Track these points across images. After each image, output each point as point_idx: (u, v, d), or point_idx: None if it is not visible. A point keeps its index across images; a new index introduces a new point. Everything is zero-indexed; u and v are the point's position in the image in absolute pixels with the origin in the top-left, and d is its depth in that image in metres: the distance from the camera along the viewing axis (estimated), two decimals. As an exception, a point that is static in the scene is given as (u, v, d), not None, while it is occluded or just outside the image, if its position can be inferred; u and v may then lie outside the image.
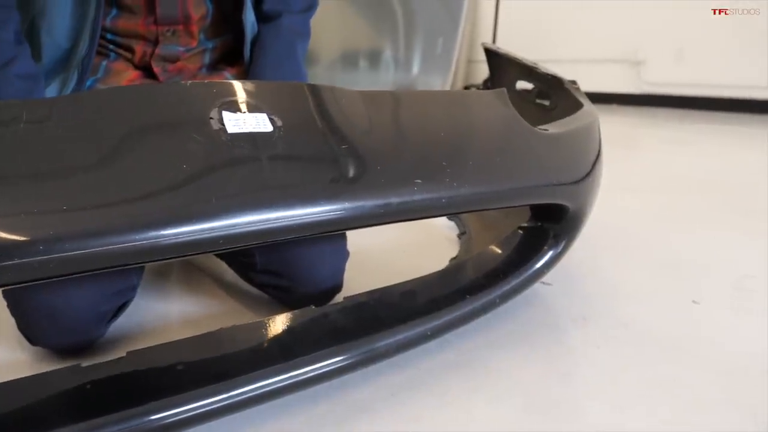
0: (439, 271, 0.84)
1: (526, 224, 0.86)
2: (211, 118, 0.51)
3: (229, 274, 0.99)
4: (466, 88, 3.88)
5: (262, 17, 0.95)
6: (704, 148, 2.32)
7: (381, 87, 4.17)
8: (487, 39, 3.75)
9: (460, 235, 1.13)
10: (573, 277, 0.99)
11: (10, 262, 0.39)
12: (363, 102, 0.61)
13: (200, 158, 0.48)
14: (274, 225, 0.48)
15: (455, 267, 0.86)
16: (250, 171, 0.49)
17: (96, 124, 0.49)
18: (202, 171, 0.48)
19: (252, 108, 0.54)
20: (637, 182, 1.73)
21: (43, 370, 0.71)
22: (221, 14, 0.92)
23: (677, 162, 2.06)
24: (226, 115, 0.52)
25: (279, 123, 0.54)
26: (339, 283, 0.84)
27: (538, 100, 1.16)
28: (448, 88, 3.74)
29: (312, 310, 0.69)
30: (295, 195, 0.50)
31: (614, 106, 3.44)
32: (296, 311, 0.69)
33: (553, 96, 1.11)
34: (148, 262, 0.45)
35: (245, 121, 0.52)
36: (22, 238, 0.40)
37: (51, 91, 0.81)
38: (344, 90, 0.61)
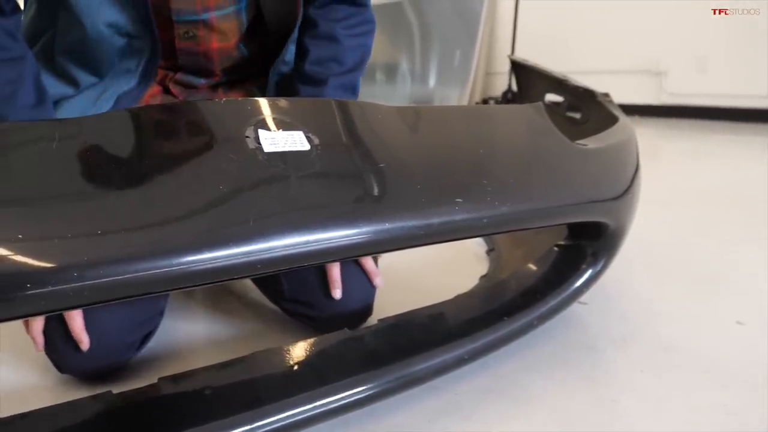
0: (473, 291, 0.81)
1: (563, 242, 0.83)
2: (246, 136, 0.49)
3: (255, 292, 0.97)
4: (485, 100, 3.86)
5: (302, 78, 0.83)
6: (730, 160, 2.28)
7: (398, 100, 4.16)
8: (506, 51, 3.73)
9: (489, 252, 1.10)
10: (609, 296, 0.96)
11: (42, 290, 0.37)
12: (400, 118, 0.59)
13: (237, 178, 0.47)
14: (315, 247, 0.46)
15: (490, 286, 0.83)
16: (289, 191, 0.47)
17: (129, 144, 0.47)
18: (239, 192, 0.46)
19: (288, 126, 0.52)
20: (665, 195, 1.69)
21: (72, 394, 0.69)
22: (251, 61, 0.87)
23: (703, 174, 2.02)
24: (262, 133, 0.50)
25: (316, 141, 0.52)
26: (369, 309, 0.81)
27: (568, 113, 1.14)
28: (466, 100, 3.72)
29: (345, 333, 0.66)
30: (335, 216, 0.48)
31: (636, 118, 3.40)
32: (329, 335, 0.67)
33: (584, 109, 1.09)
34: (185, 287, 0.43)
35: (282, 139, 0.50)
36: (55, 264, 0.38)
37: (84, 99, 0.78)
38: (380, 106, 0.59)
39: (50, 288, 0.37)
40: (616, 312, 0.91)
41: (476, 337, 0.69)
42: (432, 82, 4.04)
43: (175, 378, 0.57)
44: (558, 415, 0.66)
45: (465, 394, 0.70)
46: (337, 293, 0.75)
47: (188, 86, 0.87)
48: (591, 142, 0.76)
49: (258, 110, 0.52)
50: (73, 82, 0.79)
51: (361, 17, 0.87)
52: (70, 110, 0.78)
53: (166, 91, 0.87)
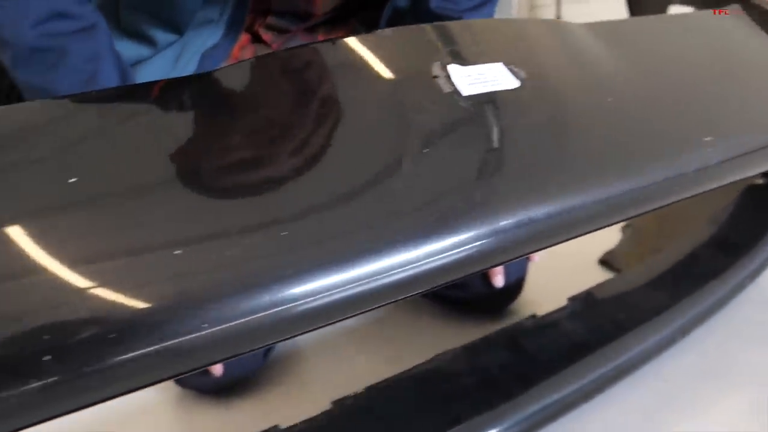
0: (656, 249, 0.67)
1: (760, 181, 0.67)
2: (435, 76, 0.36)
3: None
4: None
5: (425, 16, 0.68)
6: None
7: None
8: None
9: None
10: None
11: (141, 353, 0.24)
12: (603, 38, 0.44)
13: (440, 137, 0.33)
14: (559, 221, 0.33)
15: (673, 243, 0.69)
16: (514, 149, 0.34)
17: (271, 105, 0.34)
18: (445, 158, 0.32)
19: (482, 57, 0.38)
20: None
21: (197, 411, 0.61)
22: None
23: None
24: (454, 69, 0.36)
25: (523, 75, 0.38)
26: (521, 285, 0.68)
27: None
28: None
29: (536, 321, 0.54)
30: (580, 177, 0.34)
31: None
32: (512, 325, 0.54)
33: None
34: (368, 309, 0.30)
35: (481, 75, 0.36)
36: (163, 307, 0.24)
37: (161, 60, 0.65)
38: (574, 25, 0.45)
39: (157, 347, 0.24)
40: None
41: (684, 308, 0.56)
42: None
43: (350, 399, 0.45)
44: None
45: (675, 380, 0.57)
46: (498, 280, 0.63)
47: (282, 31, 0.72)
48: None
49: (439, 40, 0.38)
50: (148, 41, 0.65)
51: None
52: (145, 76, 0.64)
53: (256, 39, 0.72)
